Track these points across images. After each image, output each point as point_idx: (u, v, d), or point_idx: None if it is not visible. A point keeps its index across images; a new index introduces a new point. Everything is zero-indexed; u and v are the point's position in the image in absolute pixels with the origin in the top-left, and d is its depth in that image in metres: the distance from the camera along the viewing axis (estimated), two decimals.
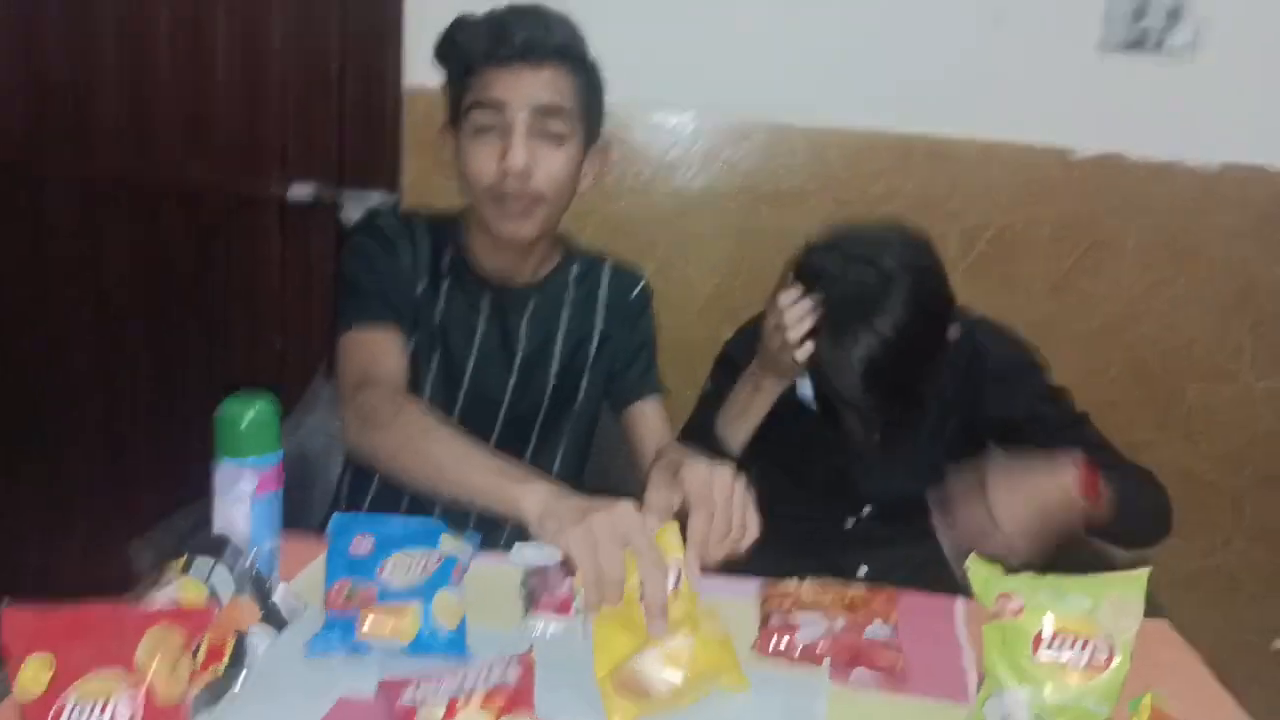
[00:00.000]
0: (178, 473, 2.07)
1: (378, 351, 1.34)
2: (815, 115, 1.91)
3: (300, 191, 2.05)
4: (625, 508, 0.97)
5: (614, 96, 1.87)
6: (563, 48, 1.33)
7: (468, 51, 1.32)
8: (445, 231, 1.46)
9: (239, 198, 2.10)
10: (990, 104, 1.89)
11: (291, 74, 2.04)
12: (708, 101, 1.94)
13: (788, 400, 1.54)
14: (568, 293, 1.49)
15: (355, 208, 2.05)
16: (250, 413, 1.02)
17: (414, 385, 1.42)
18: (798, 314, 1.34)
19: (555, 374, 1.47)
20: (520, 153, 1.29)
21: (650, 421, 1.49)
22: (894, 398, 1.40)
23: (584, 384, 1.50)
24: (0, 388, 2.25)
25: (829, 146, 1.91)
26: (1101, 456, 1.47)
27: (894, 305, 1.30)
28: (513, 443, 1.44)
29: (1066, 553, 1.55)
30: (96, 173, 2.12)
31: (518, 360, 1.46)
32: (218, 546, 0.97)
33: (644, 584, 0.93)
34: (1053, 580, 0.93)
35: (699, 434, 1.50)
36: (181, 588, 0.89)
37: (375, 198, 2.03)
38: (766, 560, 1.50)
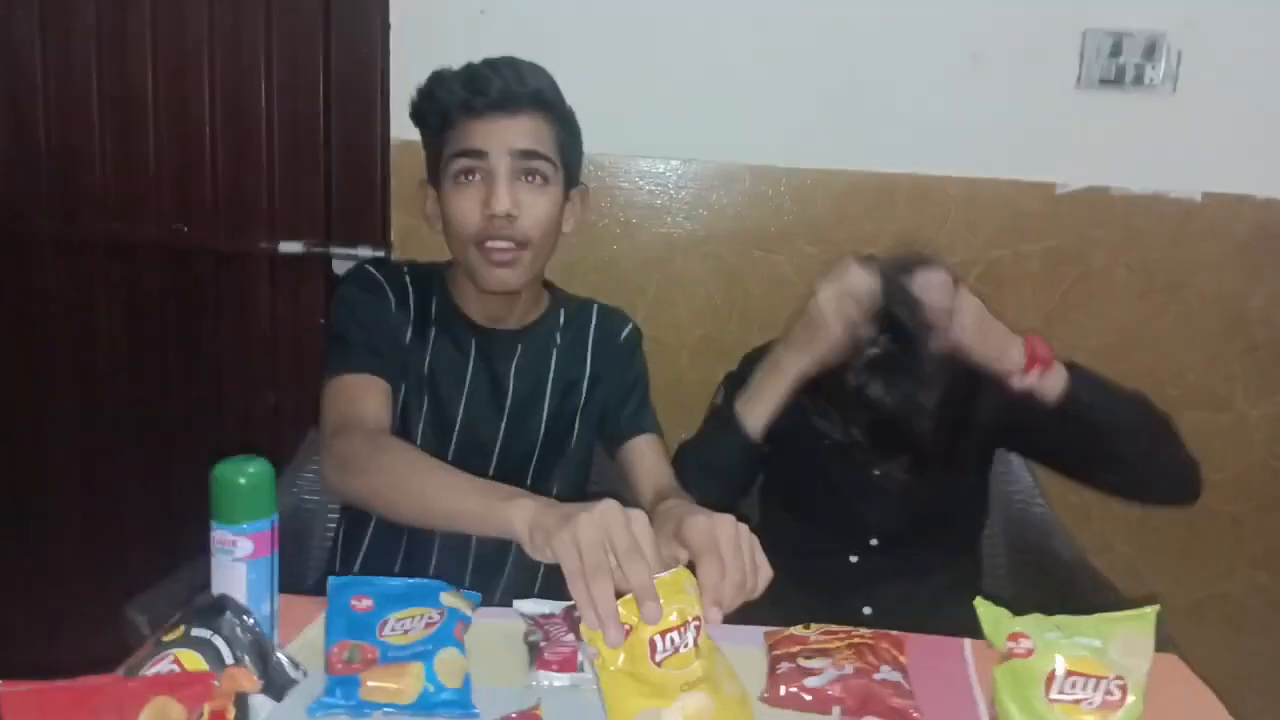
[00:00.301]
0: (172, 534, 2.08)
1: (358, 397, 1.33)
2: (800, 157, 1.93)
3: (289, 248, 2.06)
4: (606, 505, 0.95)
5: (599, 146, 1.90)
6: (537, 95, 1.35)
7: (445, 105, 1.33)
8: (432, 280, 1.46)
9: (228, 254, 2.10)
10: (973, 142, 1.91)
11: (277, 133, 2.06)
12: (693, 148, 1.95)
13: (794, 433, 1.54)
14: (556, 337, 1.48)
15: (344, 264, 2.05)
16: (244, 477, 1.00)
17: (404, 435, 1.41)
18: (866, 298, 1.35)
19: (546, 419, 1.46)
20: (505, 196, 1.31)
21: (646, 459, 1.47)
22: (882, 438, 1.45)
23: (576, 427, 1.49)
24: None
25: (814, 188, 1.93)
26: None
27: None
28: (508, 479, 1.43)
29: (1075, 591, 1.56)
30: (84, 234, 2.12)
31: (508, 406, 1.45)
32: (215, 612, 0.95)
33: (624, 570, 0.90)
34: (1062, 619, 0.92)
35: (713, 421, 1.52)
36: (179, 657, 0.87)
37: (364, 253, 2.04)
38: (769, 599, 1.50)
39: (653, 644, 0.88)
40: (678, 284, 2.00)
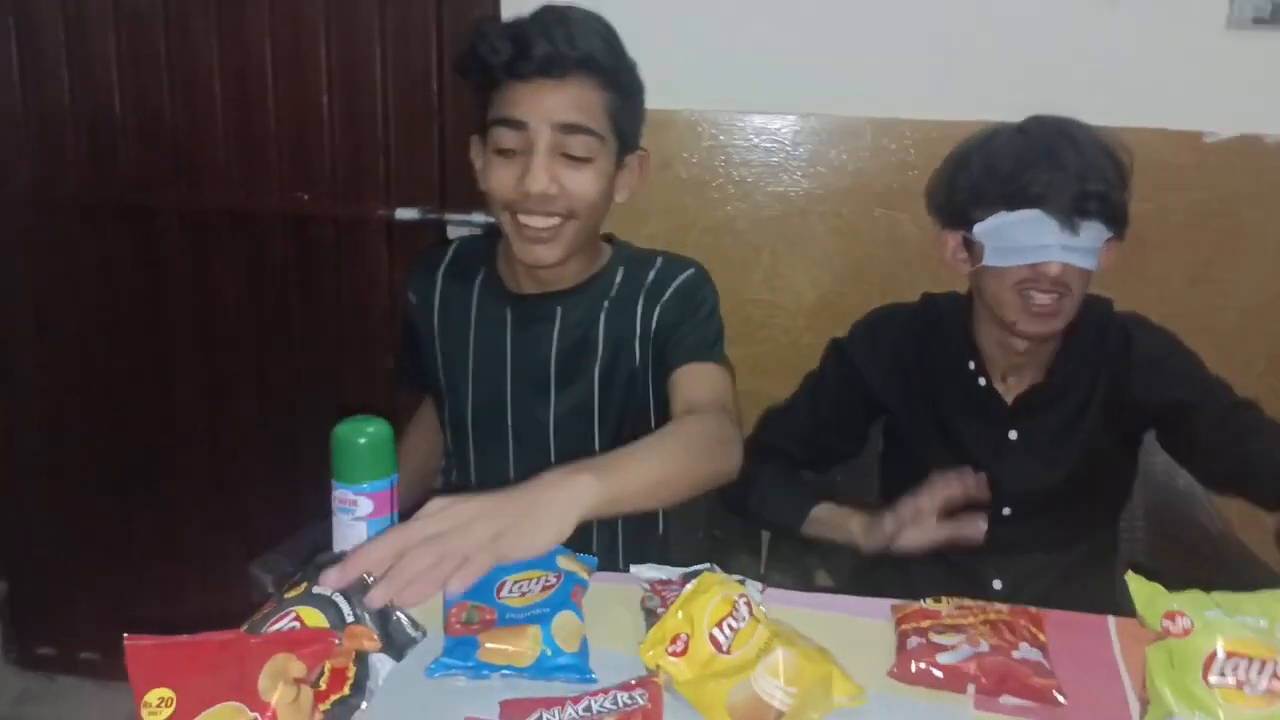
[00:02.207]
0: (293, 496, 2.14)
1: (427, 415, 1.54)
2: (924, 109, 1.84)
3: (405, 214, 2.07)
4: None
5: (710, 102, 1.85)
6: (587, 59, 1.26)
7: (488, 64, 1.27)
8: (480, 253, 1.46)
9: (346, 221, 2.13)
10: (1111, 89, 1.78)
11: (392, 100, 2.07)
12: (810, 101, 1.88)
13: (922, 388, 1.50)
14: (607, 295, 1.41)
15: (459, 230, 2.06)
16: (364, 437, 1.01)
17: (456, 412, 1.46)
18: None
19: (599, 379, 1.40)
20: (541, 176, 1.25)
21: (696, 381, 1.34)
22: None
23: (634, 385, 1.42)
24: (115, 417, 2.32)
25: (940, 141, 1.83)
26: None
27: None
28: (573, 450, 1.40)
29: (1223, 568, 1.47)
30: (207, 204, 2.17)
31: (553, 370, 1.40)
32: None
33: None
34: (1222, 597, 0.85)
35: (780, 492, 1.50)
36: (300, 614, 0.87)
37: (478, 219, 2.04)
38: (899, 569, 1.46)
39: (714, 640, 0.91)
40: (795, 245, 1.94)
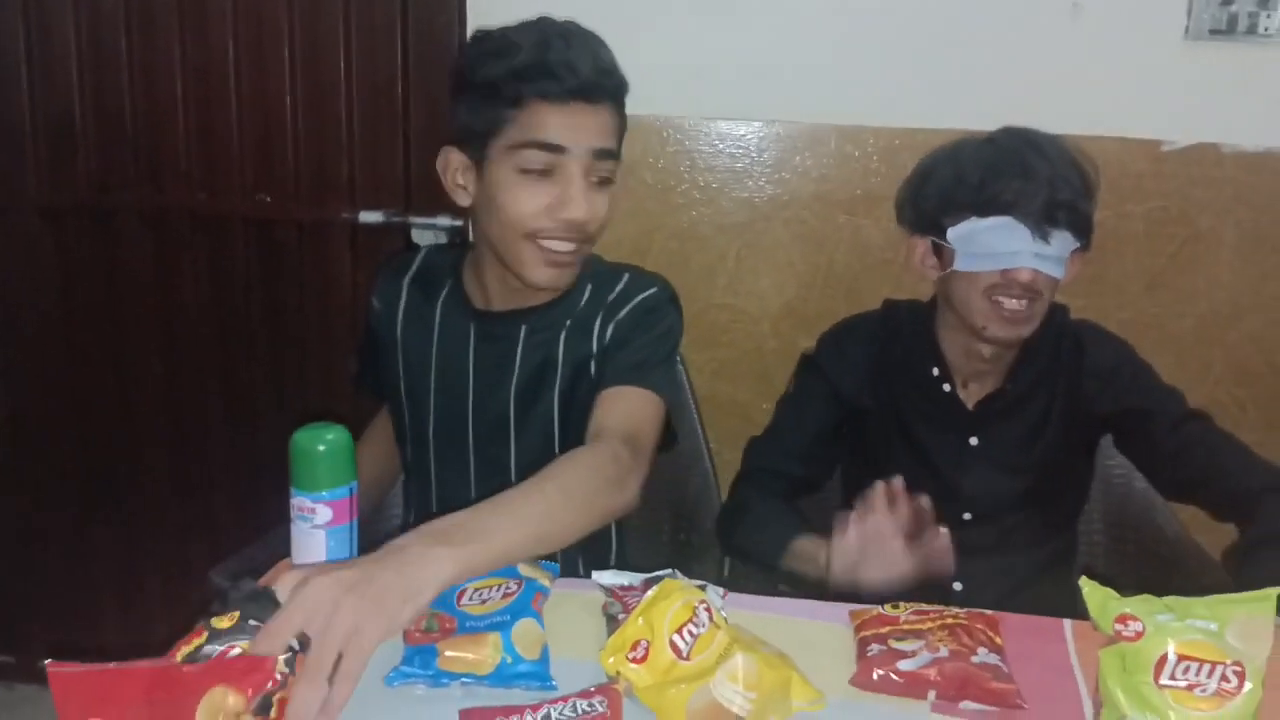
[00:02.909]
0: (256, 501, 2.12)
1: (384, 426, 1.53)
2: (888, 117, 1.85)
3: (370, 218, 2.06)
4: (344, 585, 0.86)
5: (677, 108, 1.86)
6: (619, 84, 1.26)
7: (518, 82, 1.20)
8: (445, 266, 1.43)
9: (309, 223, 2.11)
10: (1073, 98, 1.80)
11: (357, 102, 2.05)
12: (775, 109, 1.89)
13: (887, 400, 1.50)
14: (571, 313, 1.36)
15: (424, 234, 2.05)
16: (323, 444, 1.00)
17: (418, 429, 1.44)
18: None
19: (559, 399, 1.36)
20: (582, 204, 1.22)
21: (614, 405, 1.26)
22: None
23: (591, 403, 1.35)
24: (75, 421, 2.28)
25: (903, 149, 1.85)
26: (1233, 460, 1.40)
27: None
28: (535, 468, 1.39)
29: (1179, 571, 1.49)
30: (169, 206, 2.15)
31: (513, 389, 1.37)
32: (269, 601, 0.87)
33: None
34: (1173, 601, 0.86)
35: (759, 534, 1.45)
36: (245, 649, 0.83)
37: (443, 222, 2.03)
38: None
39: (674, 646, 0.91)
40: (759, 251, 1.95)
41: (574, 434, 1.34)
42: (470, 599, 0.99)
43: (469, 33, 1.91)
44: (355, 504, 1.03)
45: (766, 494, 1.49)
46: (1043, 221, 1.32)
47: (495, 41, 1.24)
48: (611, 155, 1.26)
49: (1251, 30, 1.78)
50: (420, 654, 0.94)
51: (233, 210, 2.13)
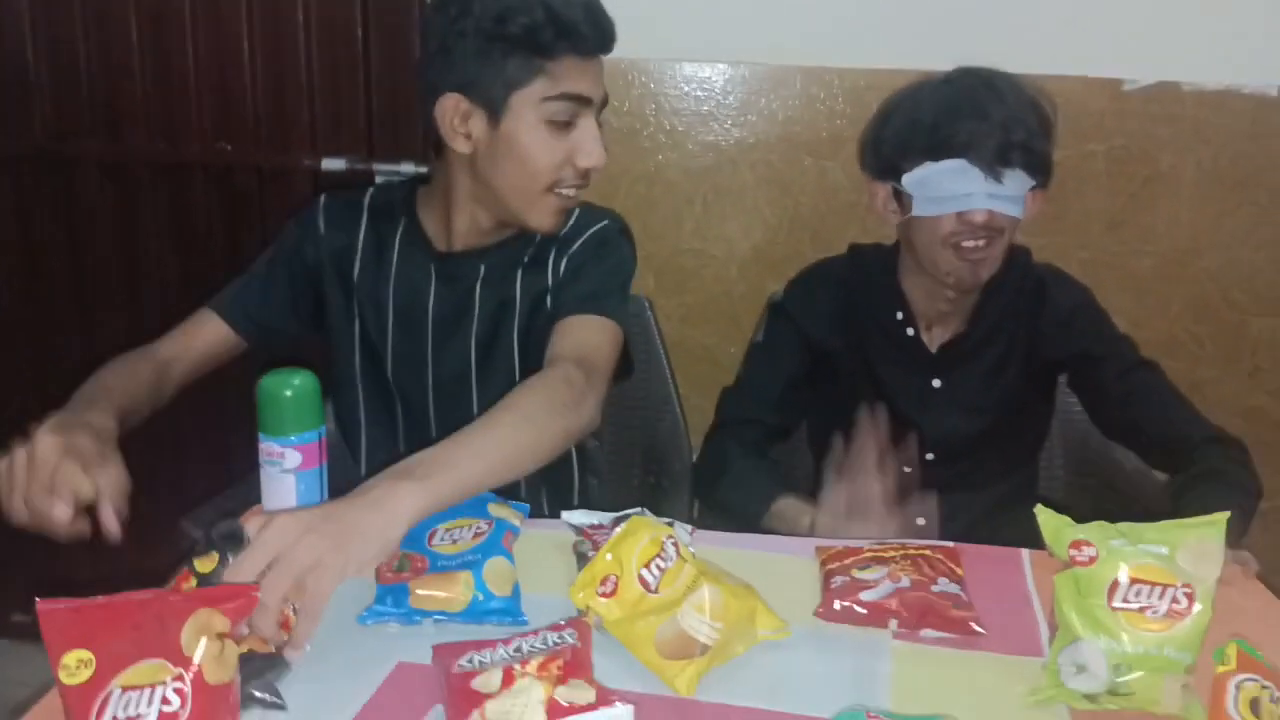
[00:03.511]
0: (225, 450, 2.11)
1: (183, 330, 1.45)
2: (853, 57, 1.85)
3: (332, 164, 2.04)
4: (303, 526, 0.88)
5: (642, 50, 1.84)
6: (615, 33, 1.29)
7: (554, 36, 1.21)
8: (398, 203, 1.41)
9: (270, 171, 2.09)
10: (1035, 37, 1.81)
11: (316, 48, 2.02)
12: (740, 50, 1.88)
13: (852, 342, 1.52)
14: (527, 250, 1.38)
15: (387, 181, 2.03)
16: (289, 389, 1.00)
17: (374, 368, 1.42)
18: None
19: (518, 336, 1.38)
20: (599, 152, 1.26)
21: (569, 333, 1.29)
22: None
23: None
24: (37, 371, 2.26)
25: (868, 90, 1.85)
26: (1174, 410, 1.43)
27: None
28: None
29: (1139, 503, 1.53)
30: (126, 154, 2.12)
31: (474, 329, 1.38)
32: (242, 543, 0.89)
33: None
34: (1126, 527, 0.89)
35: (740, 488, 1.45)
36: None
37: (407, 169, 2.01)
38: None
39: (643, 580, 0.93)
40: (726, 194, 1.95)
41: (534, 367, 1.34)
42: (441, 539, 1.00)
43: None
44: (324, 448, 1.04)
45: (744, 447, 1.50)
46: (995, 163, 1.33)
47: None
48: (606, 102, 1.30)
49: None
50: (392, 593, 0.95)
51: (193, 158, 2.10)
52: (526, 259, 1.37)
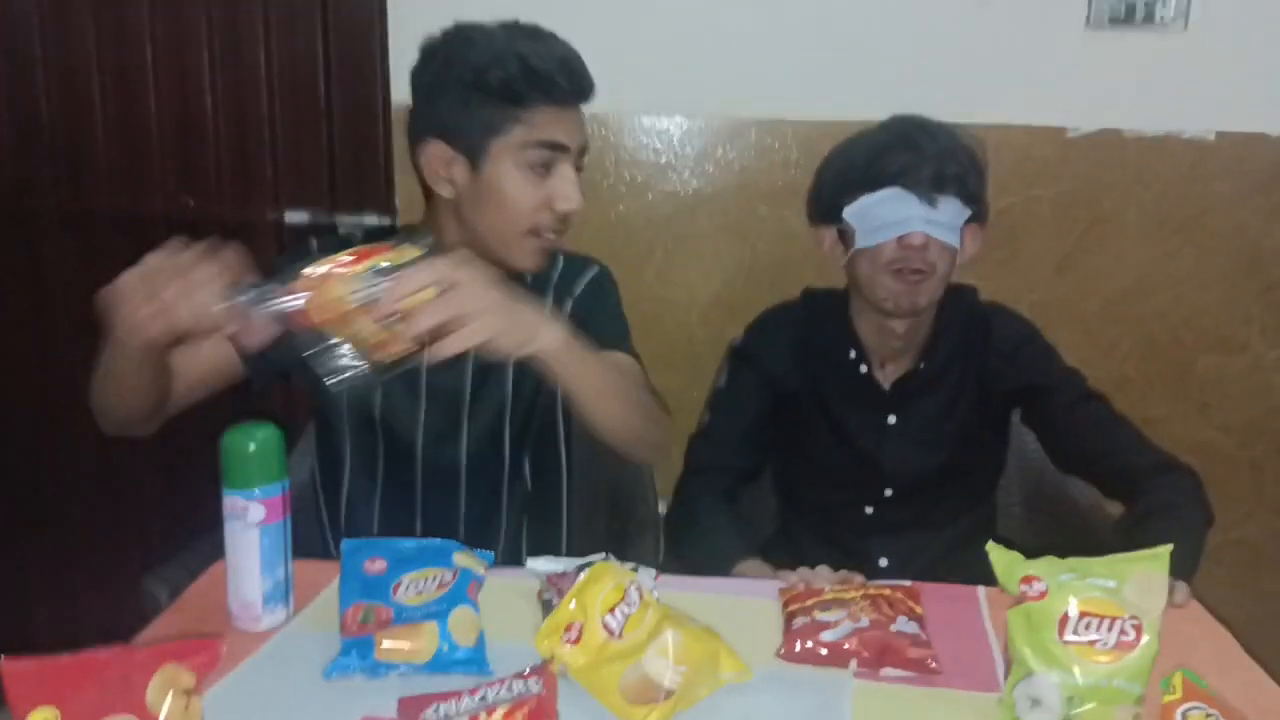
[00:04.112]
0: (188, 506, 2.09)
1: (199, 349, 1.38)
2: (807, 109, 1.90)
3: (295, 217, 2.05)
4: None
5: (601, 104, 1.86)
6: (593, 86, 1.33)
7: (528, 85, 1.26)
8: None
9: (233, 224, 2.09)
10: (982, 87, 1.88)
11: (279, 101, 2.04)
12: (697, 103, 1.93)
13: (809, 385, 1.55)
14: (521, 289, 1.40)
15: (350, 233, 2.04)
16: (253, 443, 1.01)
17: (366, 405, 1.41)
18: None
19: (512, 376, 1.41)
20: (577, 197, 1.29)
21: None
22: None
23: (540, 386, 1.42)
24: (1, 425, 2.24)
25: (822, 140, 1.88)
26: (1125, 440, 1.46)
27: None
28: (487, 461, 1.42)
29: (1093, 538, 1.55)
30: (90, 208, 2.12)
31: (470, 366, 1.40)
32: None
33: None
34: (1075, 562, 0.92)
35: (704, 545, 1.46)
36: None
37: (370, 220, 2.03)
38: (788, 551, 1.51)
39: (607, 626, 0.94)
40: (685, 242, 1.98)
41: (523, 405, 1.42)
42: (406, 590, 1.01)
43: (388, 29, 1.92)
44: (288, 501, 1.04)
45: (714, 498, 1.51)
46: (930, 189, 1.39)
47: (496, 44, 1.27)
48: (587, 149, 1.34)
49: (1149, 19, 1.86)
50: (357, 646, 0.95)
51: (155, 212, 2.11)
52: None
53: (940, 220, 1.40)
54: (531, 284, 1.42)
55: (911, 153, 1.40)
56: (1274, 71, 1.87)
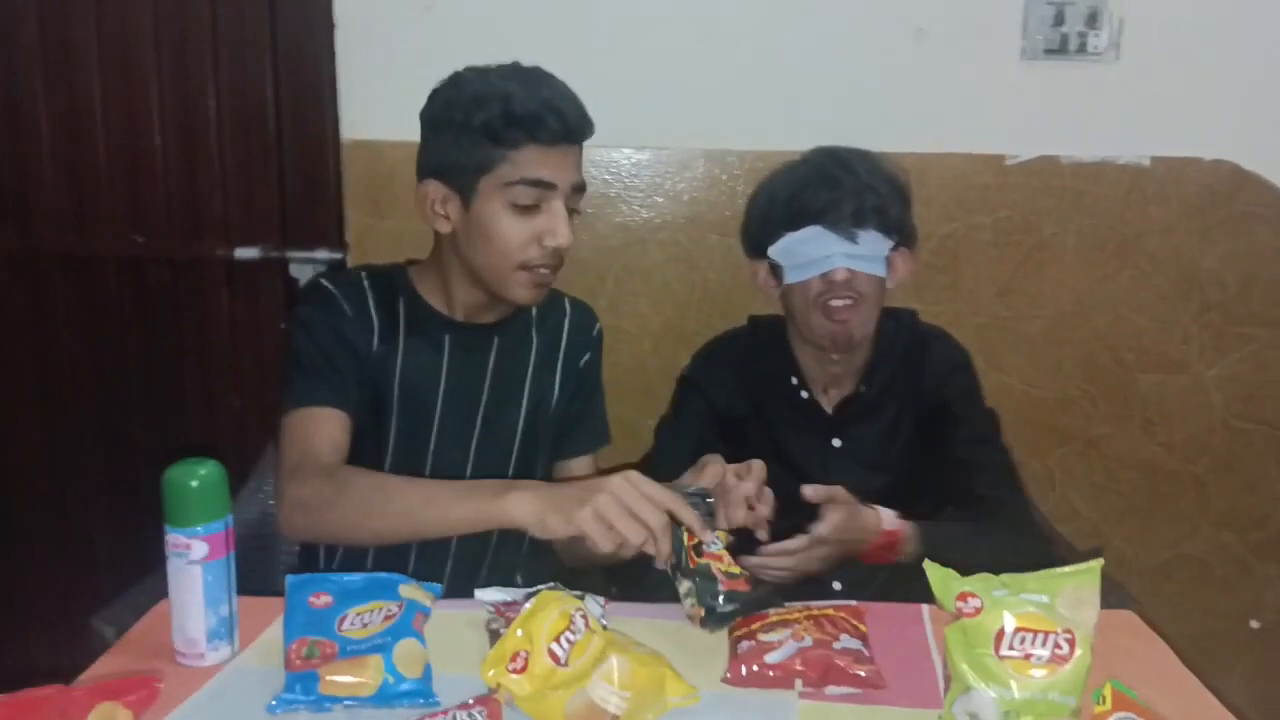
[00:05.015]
0: (138, 545, 2.07)
1: (314, 433, 1.31)
2: (752, 140, 1.94)
3: (246, 254, 2.05)
4: (625, 476, 1.09)
5: None
6: (590, 127, 1.36)
7: (514, 126, 1.30)
8: (395, 281, 1.45)
9: (184, 262, 2.09)
10: (922, 117, 1.92)
11: (228, 138, 2.05)
12: (645, 135, 1.95)
13: (753, 411, 1.57)
14: (533, 332, 1.49)
15: (301, 269, 2.05)
16: (195, 480, 1.00)
17: (377, 439, 1.41)
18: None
19: (524, 416, 1.47)
20: (567, 233, 1.33)
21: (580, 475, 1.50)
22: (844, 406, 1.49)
23: (548, 428, 1.50)
24: None
25: (767, 169, 1.91)
26: (1001, 492, 1.51)
27: None
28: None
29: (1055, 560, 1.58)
30: (39, 248, 2.11)
31: (483, 402, 1.45)
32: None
33: (676, 514, 1.10)
34: (1009, 578, 0.93)
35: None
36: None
37: (321, 255, 2.03)
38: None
39: (553, 654, 0.95)
40: (637, 272, 2.00)
41: (530, 440, 1.48)
42: (351, 623, 1.00)
43: (337, 66, 1.93)
44: (231, 538, 1.04)
45: None
46: (849, 225, 1.43)
47: (485, 86, 1.33)
48: (583, 187, 1.38)
49: (1082, 49, 1.91)
50: (301, 680, 0.95)
51: (104, 251, 2.10)
52: (536, 338, 1.49)
53: (863, 254, 1.44)
54: (540, 325, 1.50)
55: (830, 190, 1.45)
56: (1204, 98, 1.93)
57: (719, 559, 1.12)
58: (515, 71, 1.36)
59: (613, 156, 1.96)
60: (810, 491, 1.31)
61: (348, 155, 1.95)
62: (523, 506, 1.11)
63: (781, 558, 1.31)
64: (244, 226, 2.07)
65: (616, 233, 1.99)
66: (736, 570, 1.11)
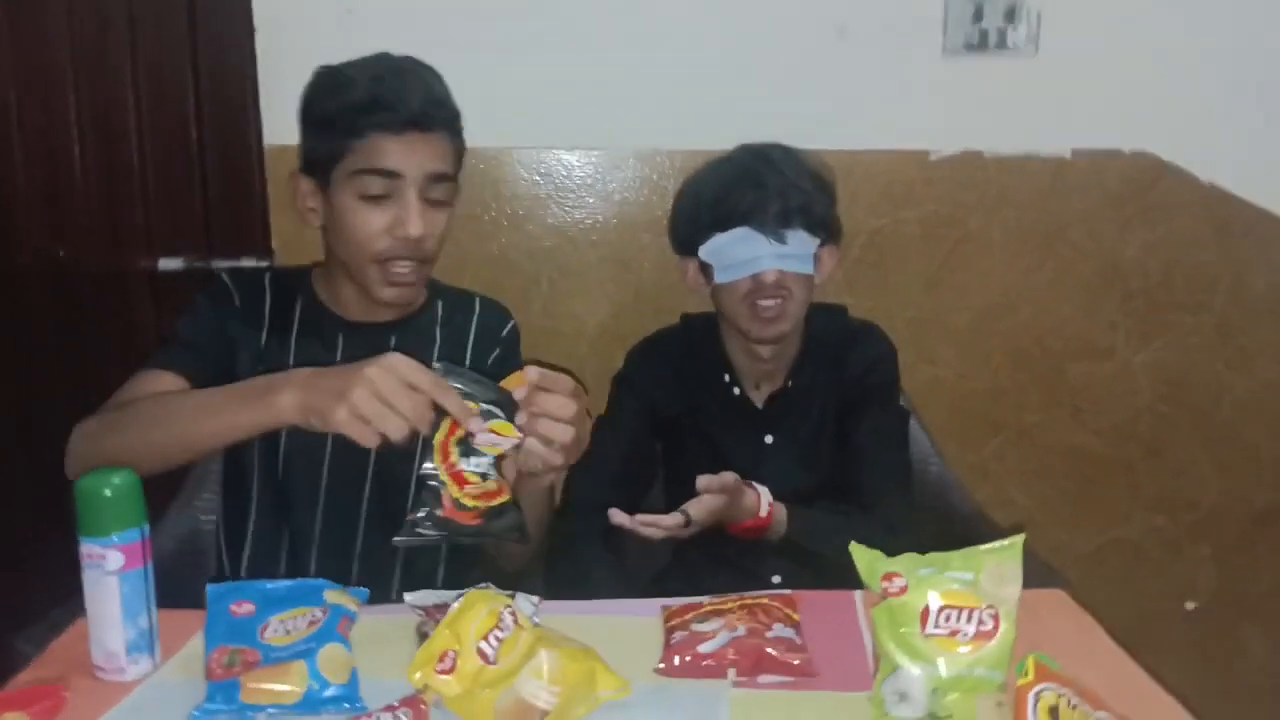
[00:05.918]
0: (62, 564, 2.01)
1: (140, 387, 1.30)
2: (682, 140, 1.94)
3: (170, 264, 2.01)
4: (388, 360, 1.03)
5: (479, 139, 1.88)
6: (452, 114, 1.35)
7: (355, 114, 1.29)
8: (299, 281, 1.45)
9: (106, 274, 2.04)
10: (846, 115, 1.94)
11: (149, 146, 2.00)
12: (574, 136, 1.95)
13: (685, 411, 1.57)
14: (436, 331, 1.47)
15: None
16: (108, 488, 0.98)
17: (269, 441, 1.39)
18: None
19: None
20: (418, 223, 1.30)
21: None
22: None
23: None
24: None
25: (696, 168, 1.93)
26: (881, 480, 1.54)
27: None
28: (391, 495, 1.41)
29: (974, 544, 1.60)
30: None
31: None
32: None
33: (438, 399, 1.03)
34: (934, 556, 0.94)
35: (595, 489, 1.49)
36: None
37: (247, 264, 1.99)
38: (682, 574, 1.52)
39: (481, 653, 0.93)
40: (570, 274, 2.00)
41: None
42: (274, 631, 0.98)
43: (258, 72, 1.90)
44: (148, 548, 1.01)
45: (590, 539, 1.50)
46: (777, 226, 1.44)
47: (334, 77, 1.34)
48: (446, 178, 1.35)
49: (1001, 44, 1.95)
50: (223, 690, 0.93)
51: (24, 265, 2.04)
52: (439, 338, 1.45)
53: (791, 253, 1.46)
54: (446, 325, 1.45)
55: (757, 190, 1.46)
56: (1123, 90, 1.97)
57: (471, 481, 1.06)
58: (375, 62, 1.35)
59: (543, 158, 1.96)
60: (703, 482, 1.30)
61: (271, 160, 1.92)
62: (289, 403, 1.06)
63: (651, 529, 1.29)
64: (167, 236, 2.03)
65: (549, 234, 1.98)
66: (471, 502, 1.06)
